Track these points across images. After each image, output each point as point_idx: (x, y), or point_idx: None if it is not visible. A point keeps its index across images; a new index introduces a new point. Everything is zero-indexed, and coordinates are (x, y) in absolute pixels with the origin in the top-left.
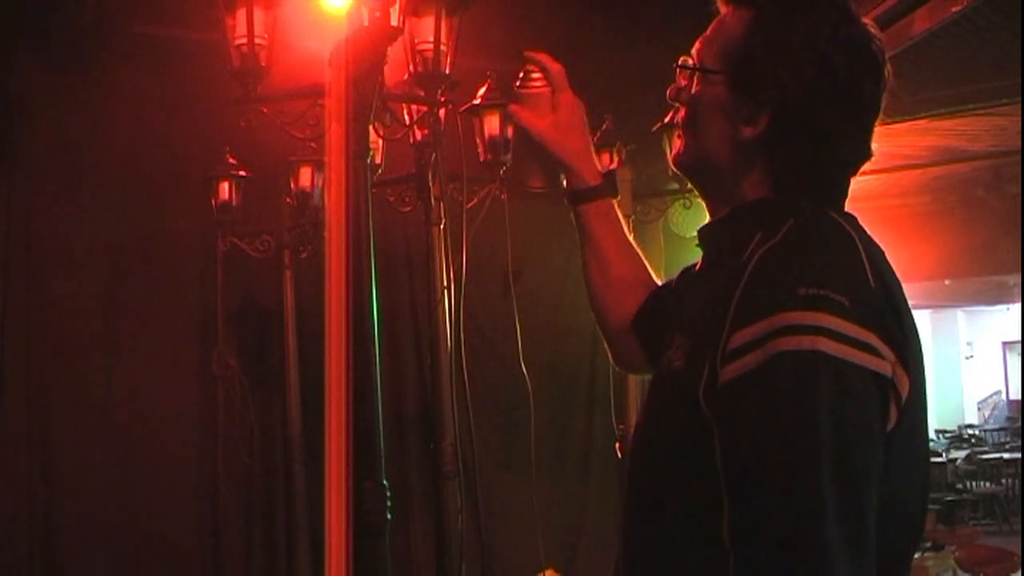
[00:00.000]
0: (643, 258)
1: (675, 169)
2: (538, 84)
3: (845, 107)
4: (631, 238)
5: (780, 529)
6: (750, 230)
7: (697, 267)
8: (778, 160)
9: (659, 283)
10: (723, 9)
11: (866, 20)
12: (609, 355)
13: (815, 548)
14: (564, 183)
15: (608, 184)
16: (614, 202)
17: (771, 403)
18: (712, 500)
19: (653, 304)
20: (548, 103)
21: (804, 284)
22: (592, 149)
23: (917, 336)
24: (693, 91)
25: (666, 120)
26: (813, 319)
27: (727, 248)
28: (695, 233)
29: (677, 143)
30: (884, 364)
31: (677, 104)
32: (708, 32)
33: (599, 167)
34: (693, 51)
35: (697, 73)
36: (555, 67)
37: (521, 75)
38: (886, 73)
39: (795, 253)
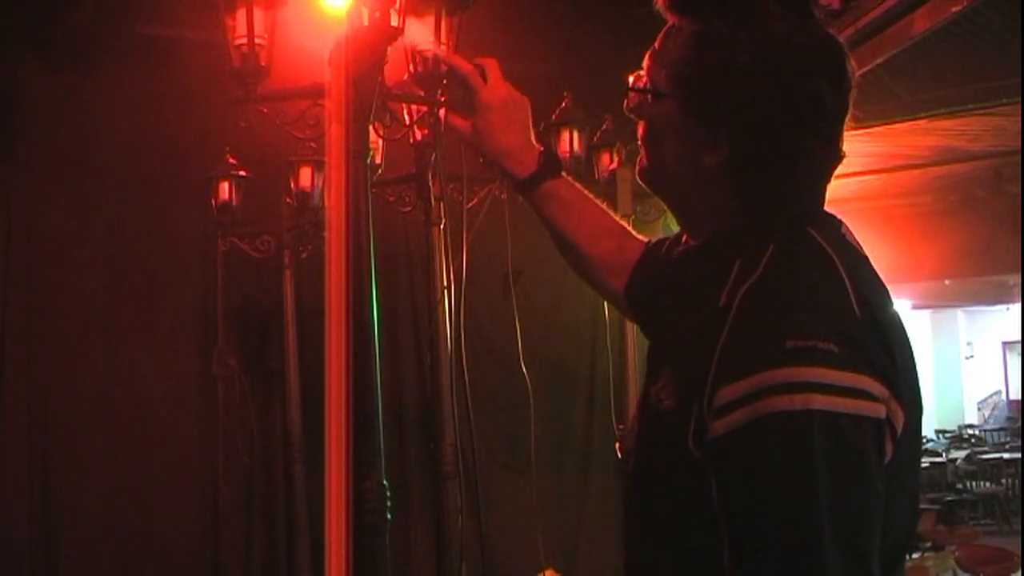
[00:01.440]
0: (611, 216)
1: (641, 183)
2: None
3: (808, 122)
4: (591, 200)
5: None
6: (729, 259)
7: (682, 269)
8: (745, 184)
9: (639, 238)
10: (669, 18)
11: (817, 14)
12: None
13: None
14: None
15: (546, 168)
16: (559, 181)
17: (765, 463)
18: (711, 530)
19: (644, 276)
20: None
21: (791, 335)
22: (524, 139)
23: (907, 346)
24: (649, 108)
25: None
26: (803, 375)
27: (710, 276)
28: None
29: (641, 157)
30: (878, 407)
31: (635, 119)
32: (657, 45)
33: (534, 154)
34: (644, 65)
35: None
36: (466, 67)
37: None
38: (849, 72)
39: (777, 295)
